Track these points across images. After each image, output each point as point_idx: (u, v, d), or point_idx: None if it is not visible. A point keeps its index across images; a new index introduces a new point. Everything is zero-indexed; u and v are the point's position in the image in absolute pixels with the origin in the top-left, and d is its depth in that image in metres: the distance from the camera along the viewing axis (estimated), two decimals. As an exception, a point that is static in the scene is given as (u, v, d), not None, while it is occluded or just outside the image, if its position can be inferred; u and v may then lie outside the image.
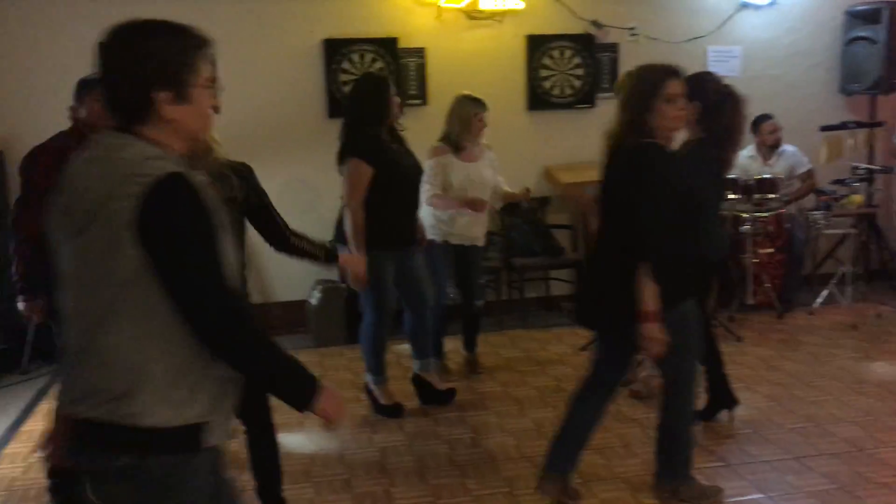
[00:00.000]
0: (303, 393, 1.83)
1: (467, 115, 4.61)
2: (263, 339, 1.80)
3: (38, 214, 3.00)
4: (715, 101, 3.54)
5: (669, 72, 3.02)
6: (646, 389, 4.66)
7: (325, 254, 3.31)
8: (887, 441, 3.81)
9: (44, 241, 2.83)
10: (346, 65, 5.96)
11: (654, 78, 2.98)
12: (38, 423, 4.40)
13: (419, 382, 4.52)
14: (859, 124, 6.05)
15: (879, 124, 6.35)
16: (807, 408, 4.25)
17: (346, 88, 5.68)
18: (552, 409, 4.35)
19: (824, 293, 6.04)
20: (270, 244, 3.23)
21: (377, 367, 4.39)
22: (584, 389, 3.30)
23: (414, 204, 4.33)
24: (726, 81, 3.70)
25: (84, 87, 3.28)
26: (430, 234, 4.64)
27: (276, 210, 3.20)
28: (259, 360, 1.80)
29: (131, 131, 1.74)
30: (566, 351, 5.41)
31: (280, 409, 2.96)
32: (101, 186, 1.69)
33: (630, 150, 2.99)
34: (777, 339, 5.46)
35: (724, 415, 4.11)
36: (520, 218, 6.09)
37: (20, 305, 3.35)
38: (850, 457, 3.66)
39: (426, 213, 4.63)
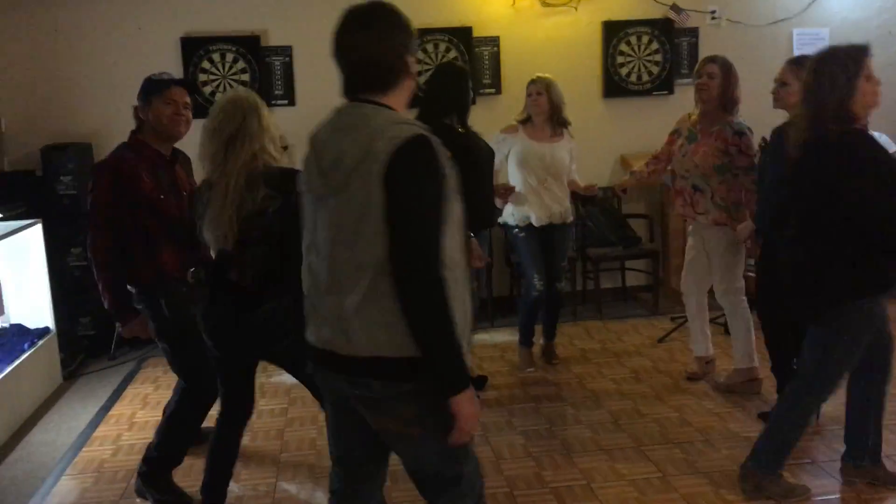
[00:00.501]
0: (451, 383, 1.93)
1: (526, 94, 4.68)
2: (443, 315, 1.89)
3: (108, 233, 3.16)
4: None
5: (865, 49, 2.97)
6: (701, 370, 4.58)
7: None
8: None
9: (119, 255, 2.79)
10: (421, 54, 5.97)
11: (855, 56, 2.92)
12: (126, 407, 4.58)
13: None
14: (957, 107, 5.74)
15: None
16: (899, 404, 4.07)
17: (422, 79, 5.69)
18: (629, 401, 4.30)
19: None
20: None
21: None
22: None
23: (488, 188, 4.33)
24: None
25: (152, 87, 3.26)
26: (508, 219, 4.73)
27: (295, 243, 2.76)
28: (432, 331, 1.89)
29: (375, 102, 1.98)
30: (643, 342, 5.33)
31: (293, 426, 2.99)
32: (356, 149, 1.92)
33: (842, 141, 2.88)
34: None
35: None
36: (595, 207, 6.01)
37: (120, 330, 3.44)
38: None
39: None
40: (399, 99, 2.03)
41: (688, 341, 5.06)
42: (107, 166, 3.26)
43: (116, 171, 3.21)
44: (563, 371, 4.83)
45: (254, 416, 3.25)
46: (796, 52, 6.14)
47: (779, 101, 3.74)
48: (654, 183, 4.68)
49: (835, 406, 3.99)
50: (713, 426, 3.94)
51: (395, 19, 2.01)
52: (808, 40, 6.20)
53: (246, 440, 3.95)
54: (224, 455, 3.14)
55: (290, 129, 5.84)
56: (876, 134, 5.80)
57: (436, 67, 4.90)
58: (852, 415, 3.27)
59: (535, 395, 4.47)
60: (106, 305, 3.27)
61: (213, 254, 2.93)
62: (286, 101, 5.94)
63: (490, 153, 4.35)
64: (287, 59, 5.90)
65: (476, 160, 4.18)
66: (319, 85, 5.89)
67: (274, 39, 5.88)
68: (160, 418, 3.67)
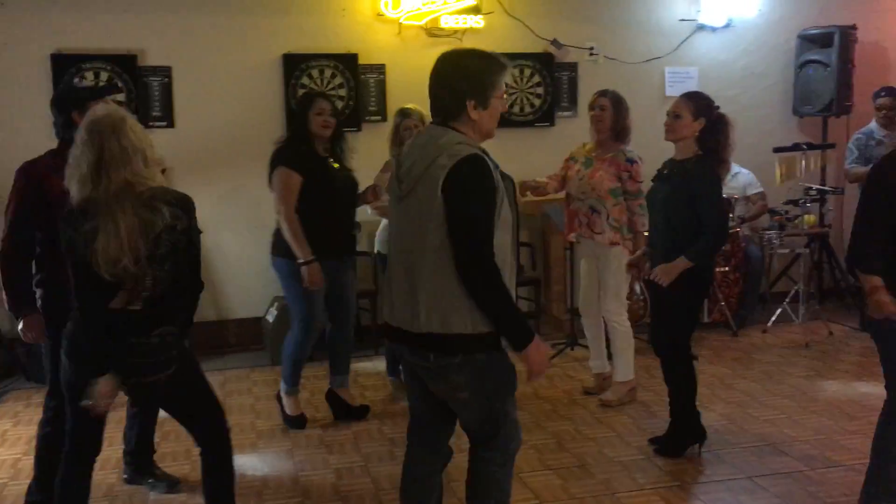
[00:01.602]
0: (518, 339, 2.49)
1: (394, 127, 4.72)
2: (502, 291, 2.43)
3: (12, 231, 3.23)
4: (714, 121, 3.78)
5: None
6: (598, 386, 4.77)
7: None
8: (838, 461, 3.85)
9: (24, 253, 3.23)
10: (305, 80, 5.92)
11: None
12: None
13: (333, 398, 4.56)
14: (811, 146, 6.16)
15: (831, 146, 6.48)
16: (760, 426, 4.29)
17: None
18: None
19: (778, 312, 6.13)
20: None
21: (293, 377, 4.42)
22: None
23: (346, 215, 4.37)
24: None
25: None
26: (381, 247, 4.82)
27: (197, 261, 2.84)
28: (492, 304, 2.43)
29: (447, 125, 2.51)
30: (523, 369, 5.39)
31: (232, 432, 2.92)
32: (425, 160, 2.47)
33: None
34: (732, 358, 5.52)
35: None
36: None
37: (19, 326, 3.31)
38: (803, 476, 3.70)
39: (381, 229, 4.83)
40: (466, 127, 2.52)
41: (567, 368, 5.21)
42: (21, 168, 3.33)
43: (27, 172, 3.29)
44: (446, 399, 4.84)
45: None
46: (668, 89, 6.47)
47: (671, 133, 3.89)
48: (553, 193, 4.83)
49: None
50: (590, 451, 4.04)
51: (463, 68, 2.52)
52: (679, 78, 6.53)
53: (113, 479, 3.78)
54: (77, 498, 2.92)
55: (169, 152, 5.68)
56: (739, 168, 6.21)
57: (310, 93, 4.83)
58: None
59: (418, 423, 4.45)
60: (6, 302, 3.28)
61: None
62: (165, 123, 5.75)
63: (350, 182, 4.37)
64: (166, 79, 5.73)
65: (334, 185, 4.24)
66: (200, 106, 5.79)
67: (152, 59, 5.69)
68: (20, 455, 3.45)
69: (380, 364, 5.54)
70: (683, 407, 3.94)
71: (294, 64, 5.90)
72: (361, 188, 4.51)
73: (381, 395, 4.96)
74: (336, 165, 4.34)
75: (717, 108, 3.83)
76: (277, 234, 4.29)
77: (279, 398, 4.52)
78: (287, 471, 3.91)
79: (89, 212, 2.64)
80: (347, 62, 5.97)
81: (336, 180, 4.28)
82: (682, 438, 3.95)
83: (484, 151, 2.49)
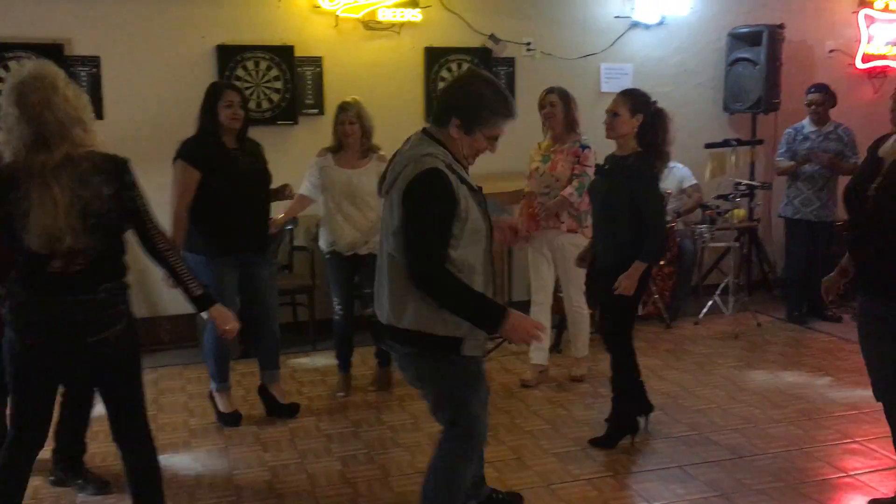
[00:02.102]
0: (490, 324, 2.60)
1: (335, 122, 4.66)
2: (453, 293, 2.56)
3: None
4: (651, 116, 3.85)
5: None
6: (535, 379, 4.86)
7: (194, 298, 2.92)
8: (765, 448, 3.97)
9: None
10: (240, 72, 5.82)
11: None
12: None
13: (264, 394, 4.52)
14: (740, 142, 6.32)
15: (760, 142, 6.67)
16: (691, 416, 4.40)
17: (240, 96, 5.54)
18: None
19: (709, 304, 6.29)
20: (144, 250, 2.90)
21: (219, 373, 4.37)
22: None
23: (257, 209, 4.27)
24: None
25: None
26: (322, 245, 4.76)
27: (150, 217, 2.80)
28: (450, 307, 2.58)
29: (433, 134, 2.67)
30: (462, 363, 5.43)
31: (165, 430, 2.86)
32: (400, 166, 2.64)
33: None
34: (665, 349, 5.64)
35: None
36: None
37: None
38: (731, 464, 3.80)
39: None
40: (448, 140, 2.65)
41: (504, 361, 5.26)
42: None
43: None
44: (385, 394, 4.83)
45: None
46: (604, 85, 6.55)
47: (611, 131, 3.95)
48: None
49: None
50: (526, 444, 4.08)
51: (469, 87, 2.68)
52: (615, 74, 6.62)
53: (38, 482, 3.66)
54: (14, 487, 2.81)
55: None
56: (675, 163, 6.35)
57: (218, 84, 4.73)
58: None
59: (356, 419, 4.44)
60: None
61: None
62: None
63: (262, 174, 4.30)
64: (94, 70, 5.56)
65: (242, 179, 4.15)
66: (130, 98, 5.65)
67: (80, 49, 5.52)
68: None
69: (318, 360, 5.51)
70: (625, 393, 4.04)
71: (228, 56, 5.79)
72: (282, 183, 4.45)
73: (319, 391, 4.92)
74: (247, 158, 4.23)
75: (655, 102, 3.90)
76: (189, 229, 4.19)
77: (211, 397, 4.46)
78: (221, 469, 3.86)
79: (20, 180, 2.55)
80: (283, 54, 5.89)
81: (244, 174, 4.16)
82: (617, 431, 4.03)
83: (450, 167, 2.58)
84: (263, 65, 5.87)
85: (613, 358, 4.09)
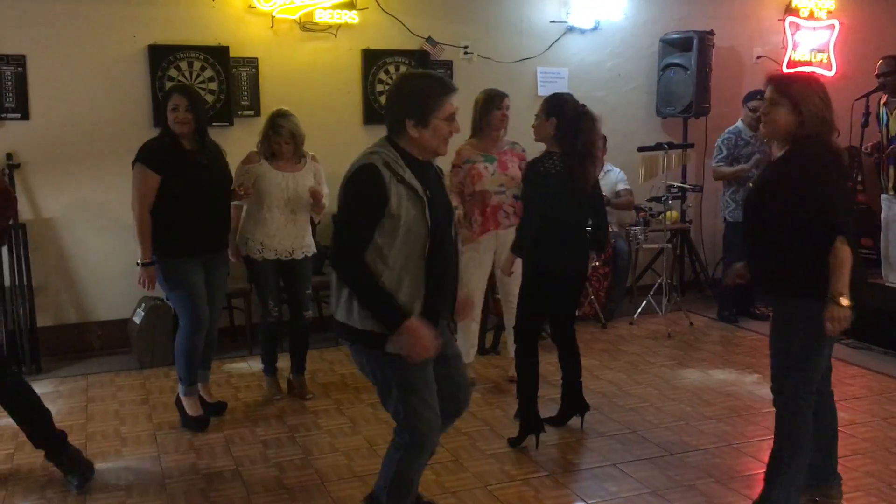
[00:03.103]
0: (387, 325, 2.66)
1: (267, 132, 4.61)
2: (365, 285, 2.67)
3: None
4: (570, 119, 3.88)
5: None
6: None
7: None
8: (695, 445, 4.07)
9: None
10: (173, 72, 5.72)
11: None
12: None
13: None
14: (672, 145, 6.47)
15: (690, 145, 6.82)
16: (625, 415, 4.48)
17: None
18: (385, 425, 4.35)
19: (643, 304, 6.42)
20: None
21: (189, 376, 4.30)
22: None
23: (217, 209, 4.28)
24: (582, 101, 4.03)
25: None
26: (251, 251, 4.60)
27: None
28: (358, 295, 2.70)
29: (395, 140, 2.75)
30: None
31: (95, 439, 2.79)
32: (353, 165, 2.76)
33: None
34: (601, 349, 5.74)
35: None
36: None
37: None
38: (663, 461, 3.88)
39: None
40: (407, 143, 2.74)
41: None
42: None
43: None
44: (322, 398, 4.80)
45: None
46: (540, 89, 6.64)
47: (535, 134, 4.05)
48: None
49: (571, 419, 4.31)
50: (463, 445, 4.10)
51: (403, 88, 2.78)
52: (551, 78, 6.71)
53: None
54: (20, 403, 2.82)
55: (23, 146, 5.40)
56: (611, 166, 6.46)
57: (170, 87, 4.70)
58: None
59: (293, 424, 4.40)
60: None
61: None
62: (19, 115, 5.43)
63: (220, 176, 4.29)
64: (20, 69, 5.39)
65: (201, 180, 4.14)
66: (58, 98, 5.51)
67: (4, 47, 5.34)
68: None
69: (255, 364, 5.43)
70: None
71: (161, 56, 5.68)
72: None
73: (256, 395, 4.86)
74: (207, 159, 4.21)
75: (579, 106, 3.94)
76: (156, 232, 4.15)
77: (179, 403, 4.37)
78: (154, 477, 3.77)
79: None
80: (218, 55, 5.81)
81: (202, 175, 4.16)
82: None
83: (388, 165, 2.67)
84: (197, 65, 5.78)
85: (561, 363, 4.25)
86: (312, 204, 4.58)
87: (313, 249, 4.74)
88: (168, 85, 5.65)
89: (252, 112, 5.95)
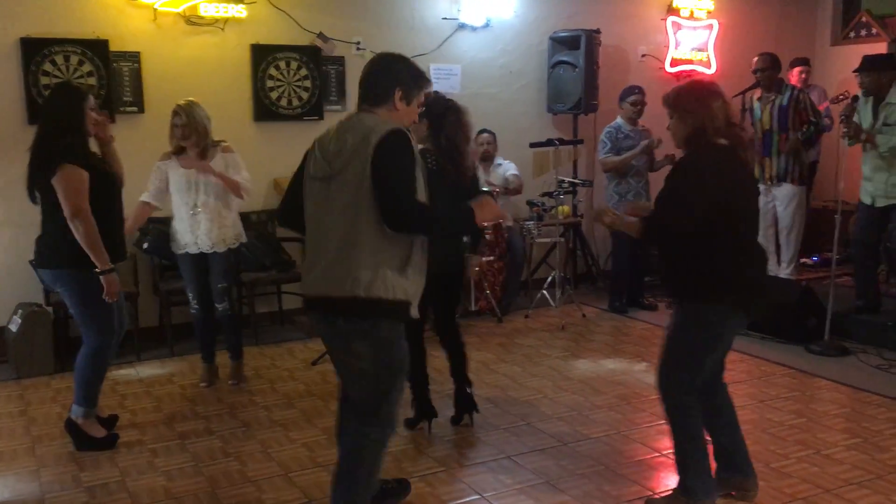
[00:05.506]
0: (466, 223, 2.95)
1: (173, 124, 4.61)
2: (433, 217, 2.84)
3: None
4: (437, 115, 3.93)
5: None
6: None
7: None
8: (587, 434, 4.17)
9: None
10: (48, 66, 5.44)
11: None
12: None
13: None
14: (563, 141, 6.60)
15: (580, 141, 7.00)
16: (520, 407, 4.55)
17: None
18: (280, 428, 4.28)
19: (538, 297, 6.54)
20: None
21: (94, 398, 4.08)
22: None
23: (121, 216, 4.14)
24: (450, 97, 4.09)
25: None
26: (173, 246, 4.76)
27: None
28: (436, 229, 2.91)
29: (371, 111, 2.83)
30: (297, 366, 5.36)
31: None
32: (355, 140, 2.75)
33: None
34: (496, 343, 5.81)
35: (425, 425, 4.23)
36: (249, 231, 5.93)
37: None
38: (556, 451, 3.96)
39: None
40: (389, 115, 2.83)
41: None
42: None
43: None
44: (214, 402, 4.68)
45: None
46: (434, 86, 6.64)
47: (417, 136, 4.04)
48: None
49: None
50: (360, 445, 4.07)
51: (397, 63, 2.89)
52: (444, 75, 6.73)
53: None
54: None
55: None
56: (502, 160, 6.54)
57: (55, 86, 4.49)
58: None
59: (182, 431, 4.26)
60: None
61: None
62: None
63: (120, 180, 4.13)
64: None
65: (114, 183, 4.04)
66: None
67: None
68: None
69: (143, 370, 5.26)
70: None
71: (34, 49, 5.40)
72: None
73: (143, 404, 4.69)
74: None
75: (445, 101, 4.02)
76: (44, 241, 3.91)
77: (71, 427, 4.03)
78: (32, 493, 3.59)
79: None
80: (97, 48, 5.56)
81: (110, 177, 4.00)
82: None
83: (405, 127, 2.81)
84: (75, 59, 5.52)
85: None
86: (229, 188, 4.62)
87: (231, 244, 4.76)
88: (43, 80, 5.39)
89: (135, 108, 5.73)
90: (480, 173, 6.42)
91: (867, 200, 5.63)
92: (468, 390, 4.25)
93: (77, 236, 3.74)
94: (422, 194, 2.80)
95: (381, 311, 2.75)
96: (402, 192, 2.70)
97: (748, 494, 3.41)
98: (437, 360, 4.41)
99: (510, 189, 6.51)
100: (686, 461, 3.27)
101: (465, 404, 4.26)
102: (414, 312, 2.83)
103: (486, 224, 2.89)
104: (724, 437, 3.39)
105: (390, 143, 2.71)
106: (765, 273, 3.35)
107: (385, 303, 2.74)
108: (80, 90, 4.11)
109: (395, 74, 2.85)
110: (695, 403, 3.23)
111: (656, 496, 3.44)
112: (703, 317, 3.16)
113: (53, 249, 3.87)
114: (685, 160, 3.18)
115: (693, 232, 3.07)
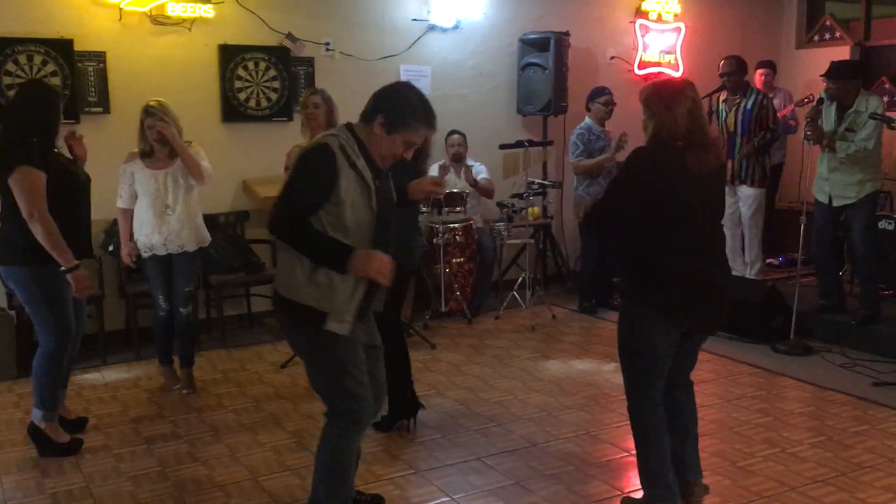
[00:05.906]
0: (338, 264, 2.76)
1: (140, 124, 4.59)
2: (300, 238, 2.77)
3: None
4: None
5: None
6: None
7: None
8: (557, 434, 4.19)
9: None
10: (11, 66, 5.35)
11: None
12: None
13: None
14: (532, 143, 6.63)
15: (550, 143, 7.02)
16: (490, 409, 4.55)
17: (12, 93, 5.08)
18: (249, 432, 4.24)
19: (508, 298, 6.56)
20: None
21: (54, 401, 4.00)
22: None
23: (87, 214, 4.08)
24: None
25: None
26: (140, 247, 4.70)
27: None
28: (301, 250, 2.79)
29: (355, 131, 2.87)
30: (266, 369, 5.31)
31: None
32: None
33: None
34: (467, 345, 5.81)
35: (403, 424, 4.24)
36: (217, 233, 5.88)
37: None
38: (526, 452, 3.97)
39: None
40: (369, 136, 2.85)
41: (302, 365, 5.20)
42: None
43: None
44: (181, 406, 4.63)
45: None
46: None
47: None
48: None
49: (436, 415, 4.35)
50: (329, 448, 4.04)
51: (401, 93, 2.90)
52: (414, 76, 6.71)
53: None
54: None
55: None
56: (472, 161, 6.54)
57: (21, 85, 4.41)
58: None
59: (148, 435, 4.21)
60: None
61: None
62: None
63: (86, 178, 4.09)
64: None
65: (77, 183, 3.98)
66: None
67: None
68: None
69: (109, 374, 5.19)
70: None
71: (-4, 48, 5.31)
72: None
73: (109, 408, 4.62)
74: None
75: None
76: (1, 237, 3.84)
77: (34, 432, 3.96)
78: (-6, 502, 3.53)
79: None
80: (61, 48, 5.48)
81: (76, 176, 3.97)
82: (394, 415, 4.18)
83: (344, 150, 2.77)
84: (38, 59, 5.43)
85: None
86: (188, 167, 4.57)
87: (195, 246, 4.71)
88: (6, 80, 5.30)
89: (100, 109, 5.65)
90: (451, 175, 6.46)
91: (823, 199, 5.72)
92: (407, 393, 4.23)
93: (37, 237, 3.70)
94: (349, 217, 2.76)
95: (295, 313, 2.85)
96: (283, 199, 2.80)
97: (694, 500, 3.37)
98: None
99: (480, 188, 6.52)
100: (640, 464, 3.31)
101: (404, 408, 4.22)
102: (334, 326, 2.80)
103: (369, 275, 2.78)
104: (677, 437, 3.35)
105: (304, 154, 2.82)
106: (709, 281, 3.14)
107: (293, 305, 2.84)
108: (55, 89, 4.11)
109: (386, 101, 2.88)
110: (649, 407, 3.23)
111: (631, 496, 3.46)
112: (628, 317, 3.25)
113: (9, 245, 3.82)
114: (630, 155, 3.20)
115: (627, 230, 3.13)
